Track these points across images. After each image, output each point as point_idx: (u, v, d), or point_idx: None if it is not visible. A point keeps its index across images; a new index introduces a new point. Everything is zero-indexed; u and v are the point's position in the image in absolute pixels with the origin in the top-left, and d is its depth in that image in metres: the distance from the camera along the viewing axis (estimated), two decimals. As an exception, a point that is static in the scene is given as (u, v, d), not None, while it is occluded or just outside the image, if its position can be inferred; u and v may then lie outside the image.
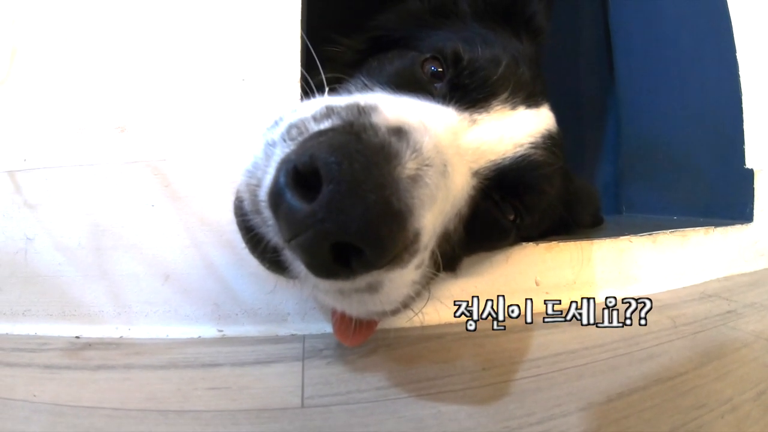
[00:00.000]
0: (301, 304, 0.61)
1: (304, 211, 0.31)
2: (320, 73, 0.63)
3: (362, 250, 0.32)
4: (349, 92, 0.54)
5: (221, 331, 0.61)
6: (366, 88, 0.54)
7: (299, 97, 0.61)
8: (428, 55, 0.57)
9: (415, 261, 0.40)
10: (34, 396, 0.47)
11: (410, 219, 0.35)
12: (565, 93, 1.31)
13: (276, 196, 0.33)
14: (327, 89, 0.47)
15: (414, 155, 0.36)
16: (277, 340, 0.60)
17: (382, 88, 0.53)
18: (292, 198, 0.32)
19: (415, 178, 0.35)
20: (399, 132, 0.36)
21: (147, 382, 0.50)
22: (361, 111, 0.38)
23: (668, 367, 0.53)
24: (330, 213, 0.31)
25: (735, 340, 0.60)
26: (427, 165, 0.37)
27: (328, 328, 0.61)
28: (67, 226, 0.61)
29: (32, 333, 0.61)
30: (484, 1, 0.66)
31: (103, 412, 0.44)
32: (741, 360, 0.55)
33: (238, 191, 0.42)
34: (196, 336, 0.61)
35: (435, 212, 0.40)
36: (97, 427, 0.42)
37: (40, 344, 0.59)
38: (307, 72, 0.69)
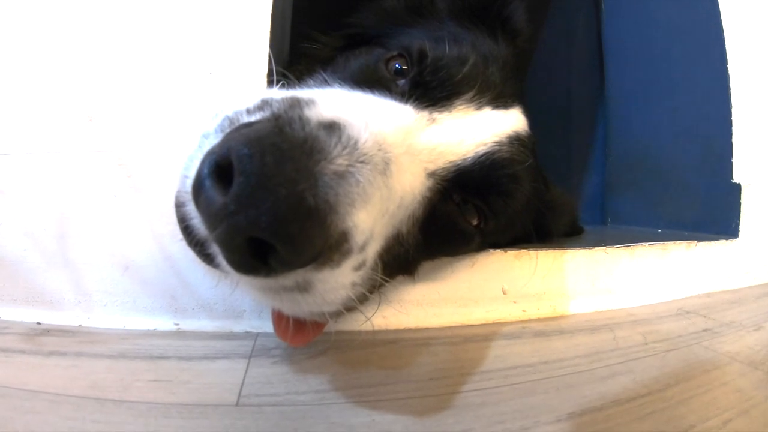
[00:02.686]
0: (257, 302, 0.59)
1: (219, 203, 0.30)
2: (297, 68, 0.61)
3: (273, 246, 0.30)
4: (308, 87, 0.51)
5: (177, 324, 0.58)
6: (325, 83, 0.51)
7: (264, 90, 0.58)
8: (395, 53, 0.53)
9: (350, 262, 0.36)
10: (-16, 377, 0.46)
11: (332, 216, 0.32)
12: (555, 103, 1.27)
13: (197, 187, 0.31)
14: (278, 83, 0.44)
15: (346, 151, 0.33)
16: (230, 336, 0.57)
17: (340, 84, 0.50)
18: (209, 189, 0.30)
19: (343, 175, 0.32)
20: (331, 127, 0.33)
21: (93, 370, 0.48)
22: (295, 104, 0.35)
23: (630, 387, 0.48)
24: (240, 206, 0.29)
25: (707, 362, 0.54)
26: (361, 162, 0.34)
27: (283, 326, 0.58)
28: (33, 213, 0.59)
29: (-6, 316, 0.59)
30: (461, 0, 0.62)
31: (45, 397, 0.43)
32: (710, 383, 0.50)
33: (178, 183, 0.40)
34: (152, 328, 0.58)
35: (372, 212, 0.37)
36: (37, 410, 0.41)
37: (1, 328, 0.57)
38: (288, 67, 0.67)
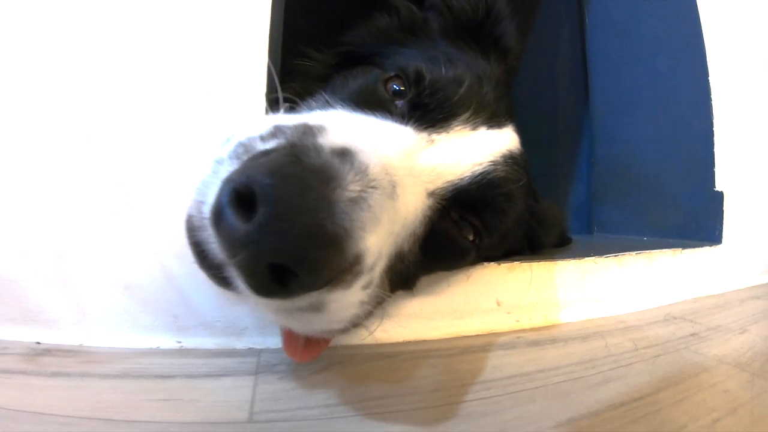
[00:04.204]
0: (259, 318, 0.60)
1: (241, 231, 0.31)
2: (291, 85, 0.63)
3: (295, 272, 0.32)
4: (310, 108, 0.53)
5: (180, 342, 0.60)
6: (327, 104, 0.53)
7: (264, 110, 0.60)
8: (392, 74, 0.56)
9: (361, 282, 0.39)
10: (-13, 399, 0.46)
11: (348, 241, 0.34)
12: (540, 114, 1.32)
13: (217, 214, 0.33)
14: (284, 106, 0.46)
15: (358, 177, 0.35)
16: (233, 353, 0.59)
17: (342, 106, 0.52)
18: (231, 217, 0.32)
19: (356, 200, 0.34)
20: (343, 154, 0.36)
21: (98, 390, 0.49)
22: (308, 131, 0.37)
23: (623, 392, 0.52)
24: (264, 235, 0.31)
25: (695, 365, 0.58)
26: (372, 187, 0.36)
27: (286, 343, 0.60)
28: (28, 232, 0.59)
29: (-8, 337, 0.60)
30: (453, 20, 0.66)
31: (52, 419, 0.43)
32: (699, 385, 0.53)
33: (189, 207, 0.42)
34: (155, 346, 0.59)
35: (381, 234, 0.39)
36: (46, 433, 0.40)
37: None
38: (280, 84, 0.69)
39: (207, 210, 0.36)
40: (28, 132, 0.61)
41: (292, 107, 0.51)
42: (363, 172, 0.36)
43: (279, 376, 0.53)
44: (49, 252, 0.60)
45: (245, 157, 0.36)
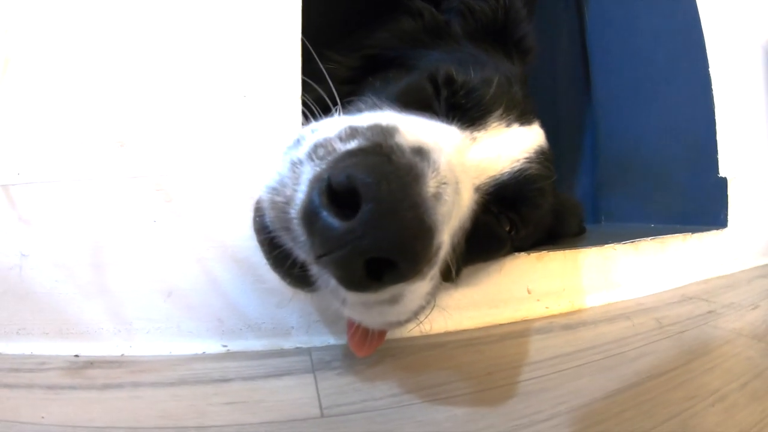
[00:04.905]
0: (304, 318, 0.63)
1: (342, 228, 0.34)
2: (315, 88, 0.66)
3: (396, 263, 0.35)
4: (360, 110, 0.57)
5: (225, 346, 0.62)
6: (375, 106, 0.57)
7: (299, 113, 0.63)
8: (426, 76, 0.60)
9: (432, 273, 0.43)
10: (42, 418, 0.46)
11: (437, 234, 0.37)
12: (543, 108, 1.38)
13: (311, 213, 0.36)
14: (340, 107, 0.50)
15: (434, 174, 0.38)
16: (282, 353, 0.62)
17: (390, 107, 0.56)
18: (328, 216, 0.34)
19: (437, 196, 0.38)
20: (420, 152, 0.39)
21: (158, 399, 0.50)
22: (385, 132, 0.40)
23: (657, 365, 0.58)
24: (369, 230, 0.33)
25: (717, 338, 0.65)
26: (444, 183, 0.39)
27: (332, 340, 0.64)
28: (64, 242, 0.61)
29: (28, 352, 0.60)
30: (476, 23, 0.71)
31: None
32: (725, 355, 0.61)
33: (260, 208, 0.44)
34: (200, 352, 0.61)
35: (450, 227, 0.43)
36: (116, 447, 0.42)
37: (38, 364, 0.58)
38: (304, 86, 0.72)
39: (294, 210, 0.38)
40: (57, 139, 0.62)
41: (320, 112, 0.53)
42: (437, 169, 0.39)
43: (337, 372, 0.56)
44: (86, 263, 0.61)
45: (330, 158, 0.38)
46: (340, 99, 0.62)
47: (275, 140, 0.63)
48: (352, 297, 0.41)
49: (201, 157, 0.63)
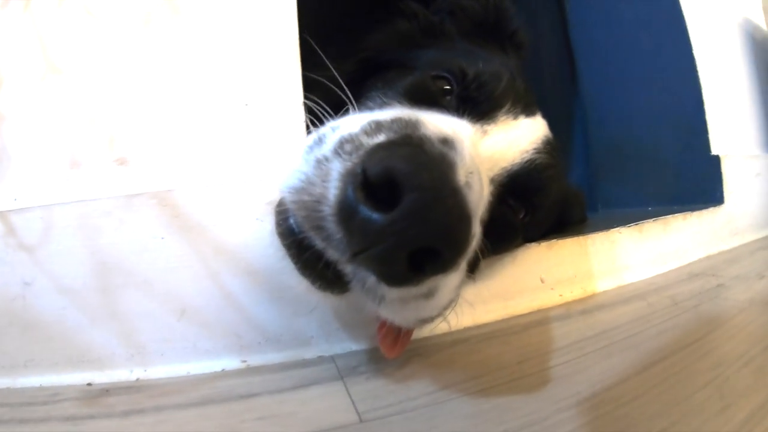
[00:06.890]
0: (324, 326, 0.63)
1: (382, 221, 0.34)
2: (321, 89, 0.67)
3: (439, 252, 0.36)
4: (370, 109, 0.58)
5: (245, 361, 0.61)
6: (385, 104, 0.58)
7: (303, 118, 0.64)
8: (434, 73, 0.62)
9: (463, 264, 0.44)
10: (66, 449, 0.46)
11: (474, 221, 0.39)
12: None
13: (348, 209, 0.36)
14: (356, 106, 0.51)
15: (462, 163, 0.39)
16: (304, 363, 0.61)
17: (399, 104, 0.57)
18: (367, 210, 0.35)
19: (468, 185, 0.39)
20: (446, 142, 0.39)
21: (186, 420, 0.50)
22: (410, 124, 0.41)
23: (681, 338, 0.60)
24: (414, 220, 0.34)
25: (731, 308, 0.68)
26: (471, 172, 0.40)
27: (354, 346, 0.64)
28: (68, 267, 0.59)
29: (37, 385, 0.59)
30: (468, 21, 0.73)
31: None
32: (742, 323, 0.64)
33: (283, 211, 0.44)
34: (219, 369, 0.61)
35: (477, 217, 0.45)
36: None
37: (50, 396, 0.56)
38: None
39: (328, 208, 0.38)
40: (60, 153, 0.61)
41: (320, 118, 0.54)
42: (464, 159, 0.40)
43: (366, 377, 0.56)
44: (92, 287, 0.60)
45: (360, 152, 0.39)
46: (342, 103, 0.63)
47: (280, 145, 0.63)
48: (391, 293, 0.41)
49: (206, 168, 0.62)
